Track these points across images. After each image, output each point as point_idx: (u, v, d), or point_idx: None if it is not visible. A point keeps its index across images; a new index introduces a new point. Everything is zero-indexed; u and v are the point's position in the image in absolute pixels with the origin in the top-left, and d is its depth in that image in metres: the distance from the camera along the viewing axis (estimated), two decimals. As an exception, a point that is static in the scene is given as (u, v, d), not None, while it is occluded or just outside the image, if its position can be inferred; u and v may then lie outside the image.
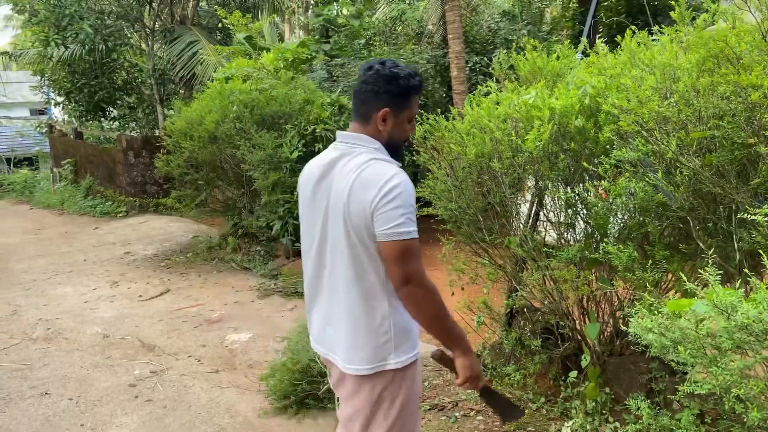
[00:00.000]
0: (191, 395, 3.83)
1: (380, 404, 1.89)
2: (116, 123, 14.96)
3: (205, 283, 6.52)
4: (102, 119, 14.64)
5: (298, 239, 6.81)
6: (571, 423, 3.00)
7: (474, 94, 3.53)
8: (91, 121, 14.66)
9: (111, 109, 14.01)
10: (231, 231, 8.00)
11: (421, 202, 3.85)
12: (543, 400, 3.37)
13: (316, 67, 10.60)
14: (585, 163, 2.69)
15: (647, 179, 2.46)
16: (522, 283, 3.54)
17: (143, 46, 13.32)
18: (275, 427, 3.41)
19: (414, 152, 4.07)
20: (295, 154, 6.47)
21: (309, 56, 8.82)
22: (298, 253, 6.94)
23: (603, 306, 3.27)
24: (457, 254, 4.11)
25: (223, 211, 8.29)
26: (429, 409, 3.49)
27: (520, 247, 3.27)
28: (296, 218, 6.61)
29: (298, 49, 8.40)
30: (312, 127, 6.56)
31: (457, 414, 3.40)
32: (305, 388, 3.48)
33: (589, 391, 3.10)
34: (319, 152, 7.30)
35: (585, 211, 3.08)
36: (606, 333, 3.26)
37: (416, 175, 9.41)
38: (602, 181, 2.67)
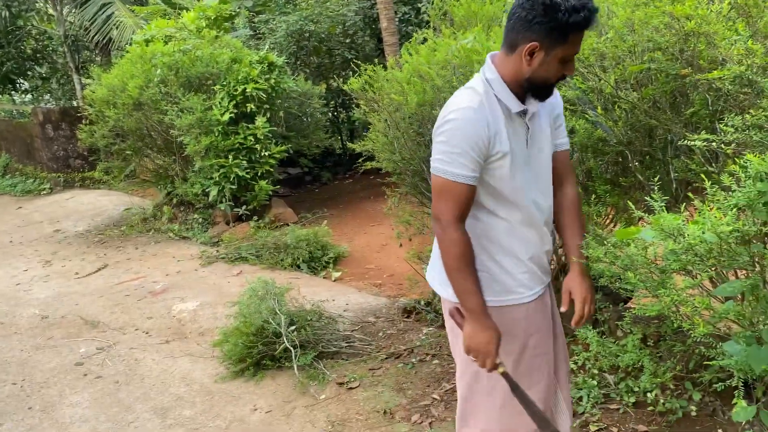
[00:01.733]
0: (143, 368, 3.75)
1: (451, 331, 1.99)
2: (29, 96, 14.08)
3: (144, 255, 6.33)
4: (12, 92, 13.73)
5: (236, 204, 6.68)
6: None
7: (410, 43, 3.49)
8: (0, 95, 13.74)
9: (21, 80, 13.14)
10: (165, 200, 7.75)
11: (365, 156, 3.87)
12: (495, 339, 3.48)
13: (239, 25, 10.23)
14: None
15: (587, 116, 2.52)
16: (468, 229, 3.60)
17: (51, 11, 12.46)
18: (233, 390, 3.39)
19: (353, 106, 4.03)
20: (227, 116, 6.29)
21: (232, 13, 8.49)
22: (238, 218, 6.81)
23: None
24: (404, 206, 4.14)
25: (155, 181, 8.00)
26: (385, 358, 3.55)
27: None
28: (233, 182, 6.48)
29: (220, 6, 8.07)
30: (242, 86, 6.36)
31: (413, 360, 3.48)
32: (261, 349, 3.47)
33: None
34: (251, 113, 7.08)
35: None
36: (552, 269, 3.37)
37: (352, 132, 9.37)
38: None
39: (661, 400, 2.66)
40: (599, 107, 2.47)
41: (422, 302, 4.11)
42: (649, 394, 2.68)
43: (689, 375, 2.71)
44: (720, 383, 2.16)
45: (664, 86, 2.19)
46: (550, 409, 1.98)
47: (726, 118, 1.80)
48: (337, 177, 9.18)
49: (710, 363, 2.68)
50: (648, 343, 2.86)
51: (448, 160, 1.64)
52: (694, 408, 2.65)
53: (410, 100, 3.06)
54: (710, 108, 2.17)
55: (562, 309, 1.92)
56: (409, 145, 3.46)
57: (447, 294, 1.85)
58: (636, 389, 2.75)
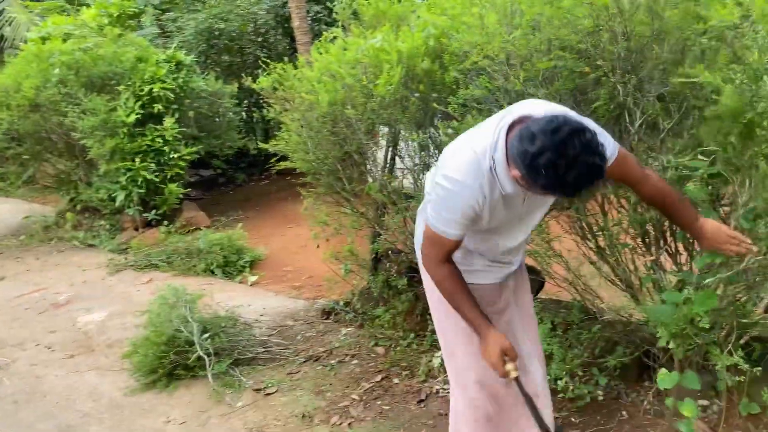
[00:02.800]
0: (45, 385, 3.52)
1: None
2: None
3: (46, 265, 5.95)
4: None
5: (145, 209, 6.41)
6: (440, 353, 3.16)
7: (320, 42, 3.46)
8: None
9: None
10: (68, 207, 7.32)
11: (278, 156, 3.79)
12: (413, 336, 3.51)
13: (146, 23, 9.84)
14: (435, 105, 2.76)
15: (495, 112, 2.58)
16: (385, 228, 3.61)
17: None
18: (145, 402, 3.25)
19: (263, 106, 3.94)
20: (132, 117, 6.02)
21: (137, 11, 8.14)
22: (147, 224, 6.54)
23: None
24: (319, 206, 4.08)
25: (56, 187, 7.53)
26: (304, 362, 3.51)
27: (380, 193, 3.32)
28: (141, 186, 6.21)
29: (123, 3, 7.71)
30: (148, 86, 6.11)
31: (332, 362, 3.45)
32: (173, 359, 3.34)
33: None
34: (159, 114, 6.80)
35: (438, 152, 3.18)
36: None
37: (267, 132, 9.19)
38: (452, 122, 2.76)
39: (571, 387, 2.77)
40: (505, 105, 2.53)
41: (341, 303, 4.09)
42: (559, 381, 2.78)
43: (596, 361, 2.83)
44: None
45: (571, 83, 2.27)
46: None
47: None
48: (252, 178, 8.97)
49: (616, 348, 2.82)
50: (557, 332, 2.97)
51: (441, 220, 1.77)
52: (600, 393, 2.78)
53: (322, 99, 3.02)
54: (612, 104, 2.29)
55: None
56: (323, 145, 3.43)
57: None
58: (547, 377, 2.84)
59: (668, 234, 2.50)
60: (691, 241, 2.32)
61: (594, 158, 1.48)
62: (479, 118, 2.63)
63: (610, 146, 1.76)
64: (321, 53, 3.20)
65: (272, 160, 3.70)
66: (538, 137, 1.47)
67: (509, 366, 1.86)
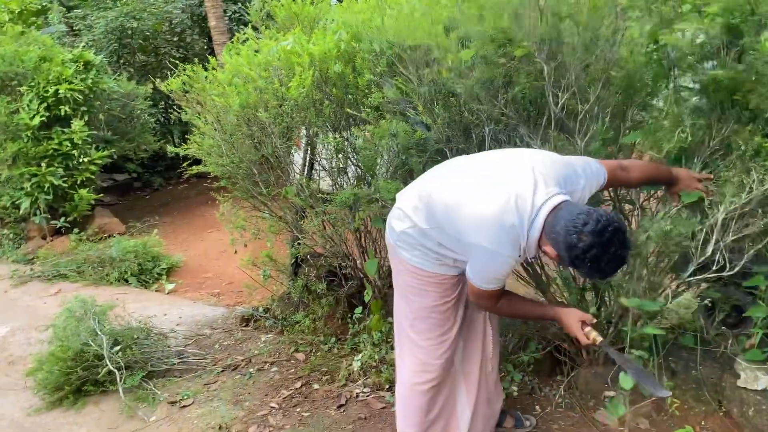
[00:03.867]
0: (-63, 410, 3.27)
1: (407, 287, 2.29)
2: None
3: (-59, 279, 5.53)
4: None
5: (54, 216, 6.08)
6: (360, 356, 3.16)
7: (232, 43, 3.38)
8: None
9: None
10: (-33, 216, 6.84)
11: (190, 160, 3.68)
12: (334, 340, 3.49)
13: (54, 21, 9.33)
14: (348, 109, 2.75)
15: (407, 117, 2.60)
16: (303, 232, 3.57)
17: None
18: (50, 422, 3.07)
19: (176, 108, 3.82)
20: (37, 120, 5.68)
21: (41, 7, 7.71)
22: (57, 232, 6.20)
23: (379, 243, 3.44)
24: (237, 211, 3.99)
25: (-47, 194, 7.03)
26: (222, 371, 3.41)
27: (297, 197, 3.28)
28: (48, 192, 5.88)
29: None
30: (54, 87, 5.79)
31: (251, 370, 3.38)
32: (81, 374, 3.17)
33: (374, 324, 3.27)
34: (66, 116, 6.45)
35: (354, 155, 3.17)
36: (384, 267, 3.44)
37: (185, 134, 8.91)
38: (367, 125, 2.76)
39: (487, 384, 2.82)
40: (420, 105, 2.56)
41: (260, 309, 4.02)
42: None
43: (509, 357, 2.90)
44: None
45: (486, 74, 2.31)
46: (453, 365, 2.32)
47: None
48: (170, 182, 8.68)
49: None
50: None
51: (489, 281, 1.95)
52: (515, 389, 2.85)
53: (233, 103, 2.96)
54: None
55: None
56: (238, 148, 3.35)
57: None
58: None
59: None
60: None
61: (627, 252, 1.77)
62: (394, 121, 2.65)
63: (601, 173, 2.01)
64: (232, 55, 3.13)
65: (184, 164, 3.59)
66: (586, 236, 1.70)
67: (592, 334, 1.97)
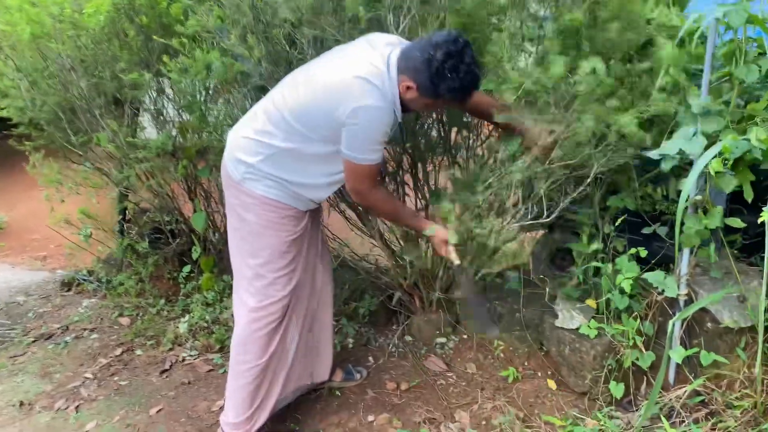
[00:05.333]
0: None
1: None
2: None
3: None
4: None
5: None
6: (187, 318, 2.93)
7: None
8: None
9: None
10: None
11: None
12: (163, 302, 3.21)
13: None
14: (157, 38, 2.44)
15: (223, 45, 2.33)
16: (129, 187, 3.23)
17: None
18: None
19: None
20: None
21: None
22: None
23: (212, 194, 3.19)
24: (51, 162, 3.54)
25: None
26: (33, 341, 3.04)
27: (112, 144, 2.92)
28: None
29: None
30: None
31: (67, 338, 3.04)
32: None
33: (205, 282, 3.05)
34: None
35: (176, 95, 2.87)
36: (217, 221, 3.20)
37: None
38: (180, 58, 2.47)
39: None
40: (233, 35, 2.30)
41: (83, 272, 3.63)
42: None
43: (343, 308, 2.80)
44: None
45: None
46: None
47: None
48: (-2, 135, 7.74)
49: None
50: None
51: (365, 151, 1.84)
52: (351, 341, 2.76)
53: (22, 32, 2.54)
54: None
55: None
56: (39, 87, 2.92)
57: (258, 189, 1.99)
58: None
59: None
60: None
61: (478, 69, 1.81)
62: (212, 51, 2.38)
63: None
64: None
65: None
66: (442, 45, 1.72)
67: (453, 254, 2.02)
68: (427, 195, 2.52)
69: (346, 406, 2.39)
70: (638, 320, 2.16)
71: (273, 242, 2.05)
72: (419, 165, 2.54)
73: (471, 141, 2.52)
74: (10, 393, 2.64)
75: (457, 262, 2.03)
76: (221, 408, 2.30)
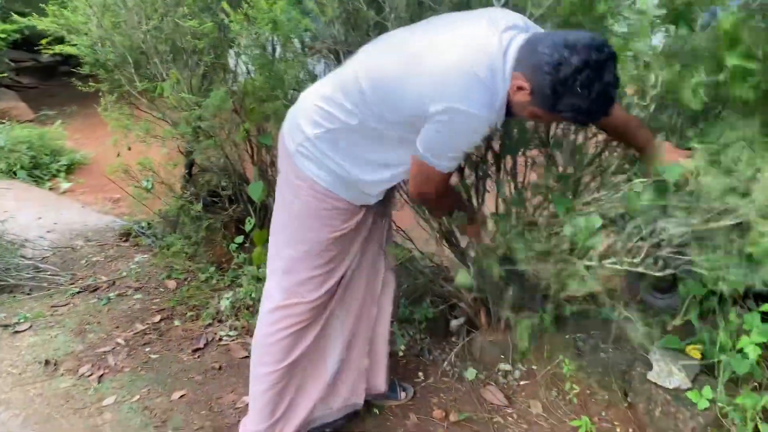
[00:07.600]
0: None
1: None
2: None
3: None
4: None
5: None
6: (232, 293, 2.69)
7: None
8: None
9: None
10: None
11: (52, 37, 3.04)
12: (213, 269, 3.00)
13: None
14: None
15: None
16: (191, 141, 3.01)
17: None
18: None
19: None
20: None
21: None
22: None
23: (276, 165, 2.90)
24: (123, 107, 3.39)
25: None
26: (78, 292, 2.94)
27: (173, 96, 2.68)
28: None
29: None
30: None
31: (111, 294, 2.90)
32: None
33: (256, 257, 2.79)
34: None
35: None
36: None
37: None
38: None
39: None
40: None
41: (143, 224, 3.49)
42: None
43: (396, 310, 2.46)
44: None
45: None
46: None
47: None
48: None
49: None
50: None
51: (445, 158, 1.51)
52: (402, 348, 2.42)
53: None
54: None
55: None
56: (106, 26, 2.72)
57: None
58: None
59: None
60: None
61: (616, 91, 1.35)
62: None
63: None
64: None
65: (42, 41, 2.95)
66: (580, 51, 1.29)
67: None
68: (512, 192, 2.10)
69: (384, 430, 2.07)
70: (762, 394, 1.68)
71: (314, 236, 1.74)
72: (507, 157, 2.13)
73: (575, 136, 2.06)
74: (40, 348, 2.52)
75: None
76: (247, 406, 2.04)
